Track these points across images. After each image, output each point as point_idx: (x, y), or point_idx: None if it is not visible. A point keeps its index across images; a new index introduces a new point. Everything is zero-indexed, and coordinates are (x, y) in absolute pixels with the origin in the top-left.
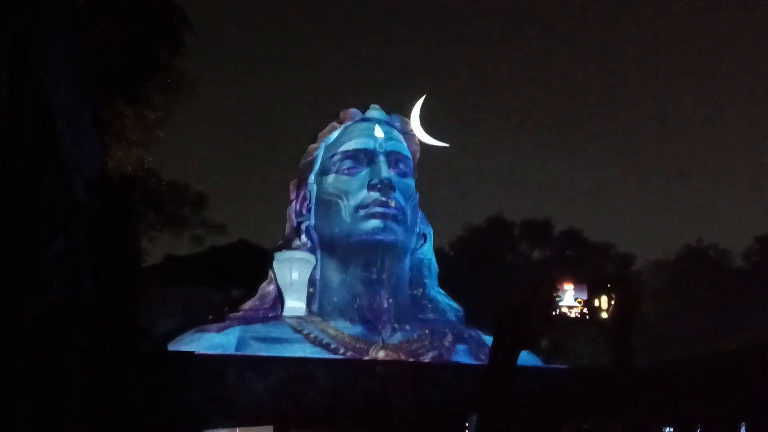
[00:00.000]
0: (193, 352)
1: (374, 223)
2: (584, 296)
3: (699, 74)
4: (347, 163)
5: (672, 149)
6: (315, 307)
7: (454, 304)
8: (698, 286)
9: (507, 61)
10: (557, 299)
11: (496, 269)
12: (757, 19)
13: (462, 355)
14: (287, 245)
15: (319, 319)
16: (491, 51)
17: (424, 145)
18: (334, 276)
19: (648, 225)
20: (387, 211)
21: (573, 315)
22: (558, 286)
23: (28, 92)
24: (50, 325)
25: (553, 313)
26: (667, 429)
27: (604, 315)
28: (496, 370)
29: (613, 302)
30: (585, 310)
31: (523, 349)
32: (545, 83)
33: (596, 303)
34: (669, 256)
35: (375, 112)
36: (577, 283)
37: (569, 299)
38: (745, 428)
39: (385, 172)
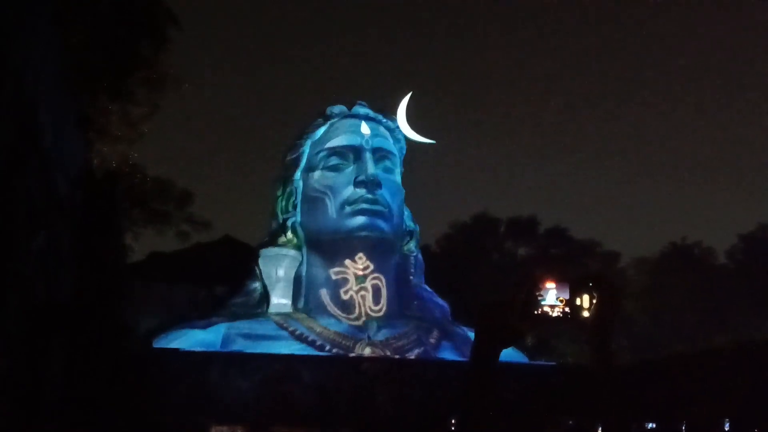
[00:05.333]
0: (177, 349)
1: (360, 219)
2: (566, 295)
3: (684, 74)
4: (333, 160)
5: (658, 148)
6: (301, 304)
7: (440, 301)
8: (682, 284)
9: (494, 60)
10: (540, 298)
11: (481, 266)
12: (746, 21)
13: (448, 352)
14: (273, 242)
15: (304, 315)
16: (478, 49)
17: (410, 142)
18: (320, 272)
19: (633, 223)
20: (373, 207)
21: (555, 314)
22: (540, 285)
23: (9, 88)
24: (32, 322)
25: (535, 312)
26: (649, 425)
27: (586, 314)
28: (477, 368)
29: (594, 301)
30: (567, 309)
31: (505, 347)
32: (532, 82)
33: (578, 302)
34: (653, 254)
35: (361, 108)
36: (560, 282)
37: (551, 298)
38: (729, 425)
39: (372, 168)
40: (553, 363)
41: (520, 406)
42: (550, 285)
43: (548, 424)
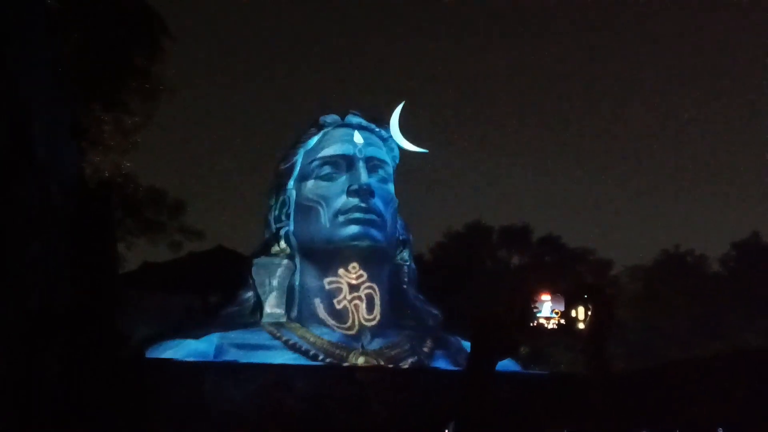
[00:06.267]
0: (171, 359)
1: (354, 228)
2: (561, 307)
3: (676, 83)
4: (326, 169)
5: (650, 156)
6: (294, 314)
7: (434, 310)
8: (675, 292)
9: (487, 69)
10: (535, 310)
11: (475, 275)
12: (743, 24)
13: (441, 361)
14: (266, 251)
15: (298, 325)
16: (471, 58)
17: (403, 151)
18: (314, 282)
19: (626, 230)
20: (366, 216)
21: (550, 326)
22: (535, 298)
23: (3, 97)
24: (27, 329)
25: (531, 324)
26: None
27: (581, 326)
28: (474, 378)
29: (590, 313)
30: (562, 321)
31: (501, 358)
32: (525, 91)
33: (573, 314)
34: (646, 262)
35: (354, 118)
36: (555, 293)
37: (547, 310)
38: None
39: (365, 177)
40: (547, 372)
41: (514, 414)
42: (546, 297)
43: (542, 430)
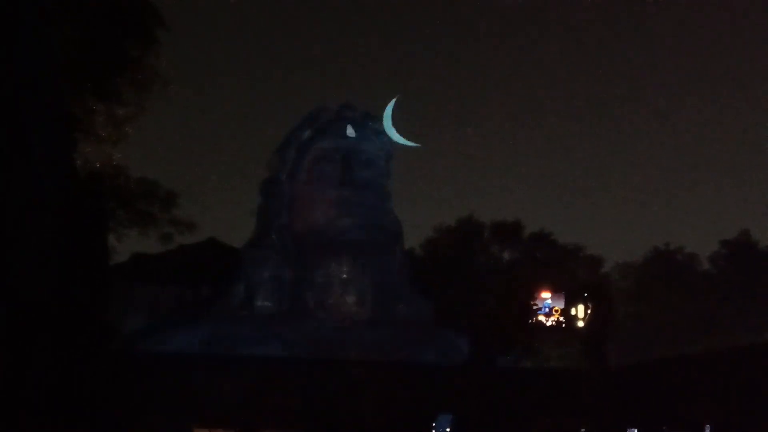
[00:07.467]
0: (161, 352)
1: (346, 222)
2: (561, 304)
3: (669, 82)
4: (320, 163)
5: (642, 154)
6: (285, 306)
7: (425, 304)
8: (666, 289)
9: (481, 66)
10: (535, 308)
11: (466, 270)
12: (736, 26)
13: (432, 355)
14: (258, 244)
15: (288, 318)
16: (465, 55)
17: (396, 146)
18: (305, 275)
19: (617, 228)
20: (358, 210)
21: (549, 323)
22: (535, 295)
23: None
24: (17, 324)
25: (530, 321)
26: (632, 430)
27: (581, 324)
28: (473, 374)
29: (590, 311)
30: (561, 319)
31: (501, 354)
32: (517, 88)
33: (573, 312)
34: (637, 259)
35: (348, 111)
36: (555, 291)
37: (546, 308)
38: (710, 431)
39: (357, 171)
40: (537, 366)
41: (509, 408)
42: (546, 295)
43: (534, 424)
